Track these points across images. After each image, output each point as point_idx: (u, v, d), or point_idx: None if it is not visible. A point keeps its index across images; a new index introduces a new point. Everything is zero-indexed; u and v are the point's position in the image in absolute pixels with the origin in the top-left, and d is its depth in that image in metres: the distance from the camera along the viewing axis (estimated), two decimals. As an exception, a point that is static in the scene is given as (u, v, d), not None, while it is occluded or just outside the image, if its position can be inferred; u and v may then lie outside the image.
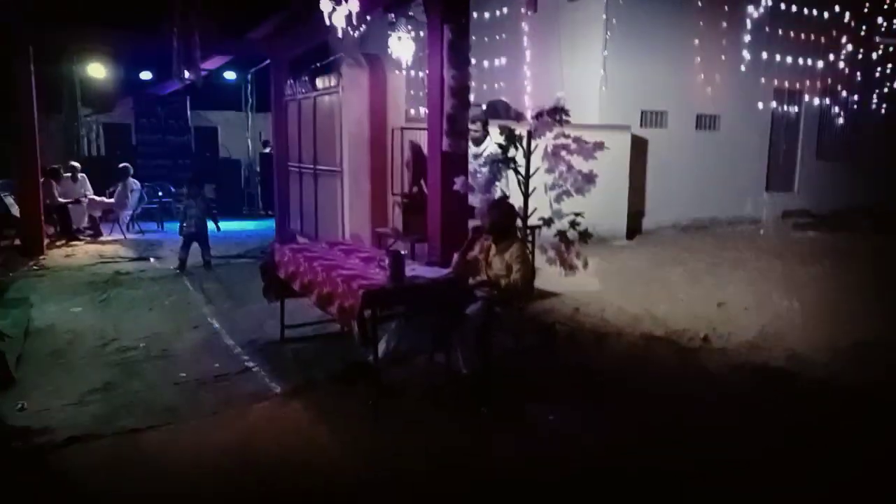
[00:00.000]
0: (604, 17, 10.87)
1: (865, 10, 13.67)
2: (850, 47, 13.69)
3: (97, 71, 14.30)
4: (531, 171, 6.20)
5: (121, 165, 12.06)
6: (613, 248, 10.01)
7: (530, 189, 6.22)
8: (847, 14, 13.44)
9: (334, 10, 5.63)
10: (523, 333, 5.52)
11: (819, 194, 13.94)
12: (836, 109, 14.02)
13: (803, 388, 4.78)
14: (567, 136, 5.90)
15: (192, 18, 7.85)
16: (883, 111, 14.45)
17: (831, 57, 13.48)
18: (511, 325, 5.19)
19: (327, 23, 5.74)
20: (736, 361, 5.29)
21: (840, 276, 8.31)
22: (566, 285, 6.98)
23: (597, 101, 11.05)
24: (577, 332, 6.03)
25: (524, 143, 6.19)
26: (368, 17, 12.34)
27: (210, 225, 8.88)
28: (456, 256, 5.05)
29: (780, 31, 12.66)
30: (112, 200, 11.98)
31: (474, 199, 6.11)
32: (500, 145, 6.19)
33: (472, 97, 12.41)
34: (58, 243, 10.82)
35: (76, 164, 12.23)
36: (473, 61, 12.65)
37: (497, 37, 12.83)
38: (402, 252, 4.85)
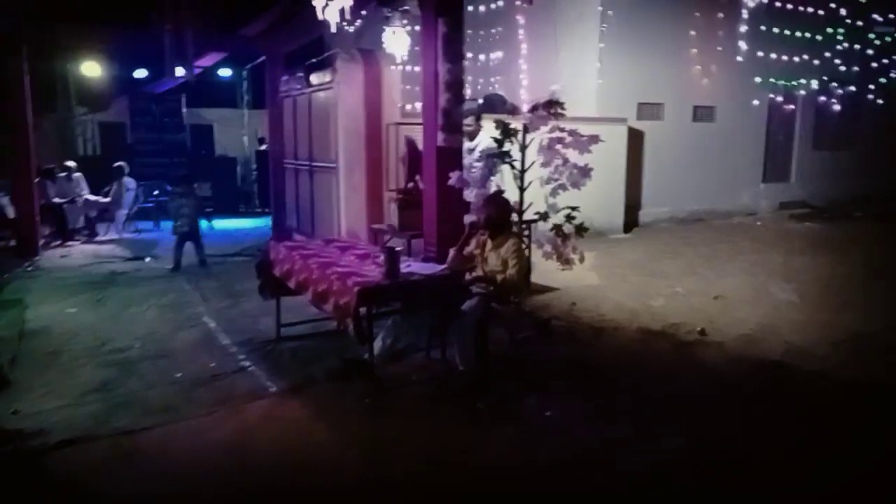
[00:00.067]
0: (599, 9, 10.83)
1: (862, -1, 13.65)
2: (845, 36, 13.66)
3: (92, 69, 14.26)
4: (527, 165, 6.16)
5: (116, 164, 12.01)
6: (610, 242, 9.99)
7: (526, 183, 6.18)
8: (843, 3, 13.41)
9: (327, 4, 5.58)
10: (520, 329, 5.51)
11: (816, 185, 13.93)
12: (832, 99, 14.00)
13: (801, 382, 4.76)
14: (562, 130, 5.85)
15: (184, 15, 7.79)
16: (879, 100, 14.42)
17: (827, 46, 13.45)
18: (507, 320, 5.18)
19: (320, 17, 5.69)
20: (733, 355, 5.28)
21: (837, 267, 8.30)
22: (563, 280, 6.96)
23: (593, 93, 11.02)
24: (573, 326, 6.02)
25: (519, 136, 6.14)
26: (364, 13, 12.36)
27: (203, 223, 8.83)
28: (452, 252, 5.04)
29: (775, 22, 12.63)
30: (108, 200, 11.93)
31: (469, 195, 6.07)
32: (495, 139, 6.15)
33: (468, 91, 12.46)
34: (53, 243, 10.78)
35: (71, 163, 12.19)
36: (469, 55, 12.68)
37: (493, 30, 12.79)
38: (398, 248, 4.82)
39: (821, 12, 13.22)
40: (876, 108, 14.42)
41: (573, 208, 5.92)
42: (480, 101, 10.93)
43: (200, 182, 16.13)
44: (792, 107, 13.66)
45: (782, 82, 13.25)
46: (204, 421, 4.20)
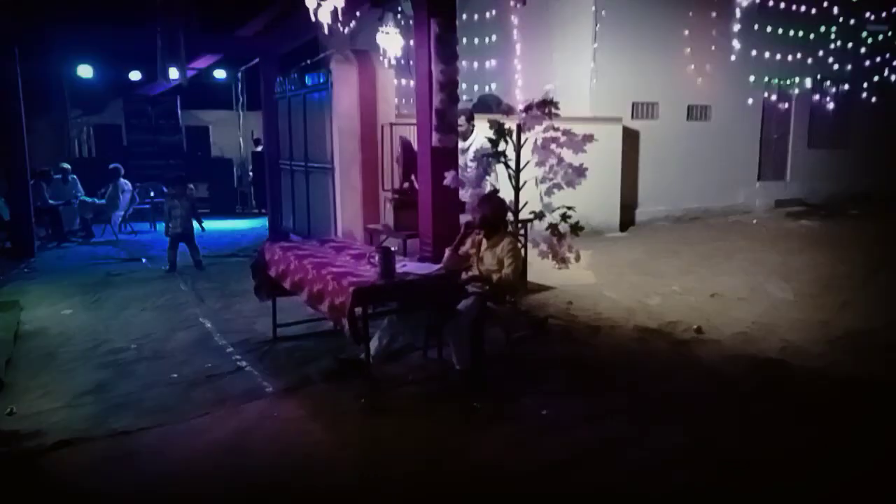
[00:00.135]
0: (593, 8, 10.86)
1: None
2: (839, 34, 13.71)
3: (86, 72, 14.22)
4: (521, 164, 6.18)
5: (111, 166, 12.00)
6: (607, 241, 10.01)
7: (521, 183, 6.20)
8: (836, 1, 13.45)
9: (319, 5, 5.58)
10: (516, 328, 5.51)
11: (811, 182, 13.97)
12: (827, 97, 14.05)
13: (799, 380, 4.77)
14: (557, 129, 5.87)
15: (176, 16, 7.78)
16: (874, 98, 14.47)
17: (821, 44, 13.50)
18: (503, 319, 5.19)
19: (313, 19, 5.69)
20: (730, 353, 5.28)
21: (834, 265, 8.32)
22: (559, 279, 6.98)
23: (588, 93, 11.05)
24: (570, 325, 6.02)
25: (514, 136, 6.16)
26: (358, 14, 12.36)
27: (195, 226, 8.81)
28: (447, 252, 5.04)
29: (769, 20, 12.67)
30: (103, 201, 11.91)
31: (465, 194, 6.08)
32: (489, 139, 6.17)
33: (464, 93, 12.48)
34: (49, 245, 10.76)
35: (67, 165, 12.18)
36: (464, 56, 12.70)
37: (487, 31, 12.80)
38: (393, 248, 4.83)
39: (814, 11, 13.27)
40: (870, 105, 14.48)
41: (569, 207, 5.94)
42: (474, 100, 10.97)
43: (197, 183, 16.20)
44: (786, 105, 13.71)
45: (776, 81, 13.30)
46: (200, 421, 4.19)
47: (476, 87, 12.55)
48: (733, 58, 12.29)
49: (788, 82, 13.52)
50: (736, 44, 12.30)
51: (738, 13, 12.25)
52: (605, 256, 8.82)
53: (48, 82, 15.55)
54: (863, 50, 14.21)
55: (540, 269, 6.66)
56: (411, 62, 6.59)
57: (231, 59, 15.25)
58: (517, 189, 6.19)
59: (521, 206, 6.23)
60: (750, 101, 12.89)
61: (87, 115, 17.37)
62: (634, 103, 11.63)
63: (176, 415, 4.27)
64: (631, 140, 11.34)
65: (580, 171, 5.76)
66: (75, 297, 7.26)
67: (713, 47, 12.05)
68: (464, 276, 4.97)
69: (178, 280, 8.10)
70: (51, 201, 11.08)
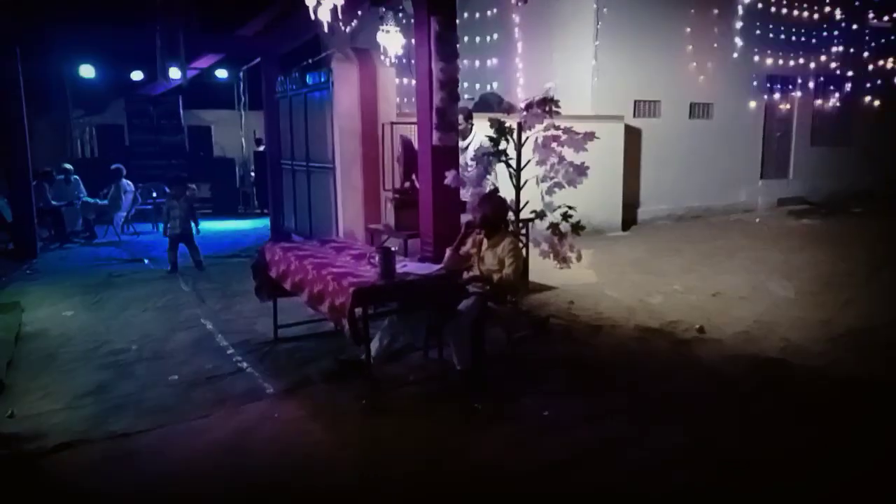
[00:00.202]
0: (594, 6, 10.82)
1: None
2: (842, 32, 13.65)
3: (88, 72, 14.22)
4: (522, 163, 6.16)
5: (113, 167, 12.00)
6: (609, 240, 9.99)
7: (522, 182, 6.18)
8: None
9: (319, 4, 5.56)
10: (517, 328, 5.50)
11: (814, 181, 13.93)
12: (829, 94, 14.00)
13: (800, 379, 4.75)
14: (558, 128, 5.85)
15: (175, 15, 7.77)
16: (876, 95, 14.41)
17: (823, 42, 13.45)
18: (504, 319, 5.17)
19: (312, 17, 5.67)
20: (732, 353, 5.26)
21: (836, 263, 8.29)
22: (561, 278, 6.96)
23: (589, 91, 11.02)
24: (571, 325, 6.01)
25: (514, 135, 6.14)
26: (360, 13, 12.34)
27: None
28: (448, 252, 5.02)
29: (771, 18, 12.63)
30: (106, 202, 11.92)
31: (465, 194, 6.07)
32: (490, 138, 6.15)
33: (465, 91, 12.46)
34: (52, 246, 10.78)
35: (69, 166, 12.18)
36: (465, 55, 12.67)
37: (488, 29, 12.79)
38: (394, 248, 4.81)
39: (816, 7, 13.21)
40: (873, 102, 14.42)
41: (570, 207, 5.93)
42: (475, 99, 10.95)
43: (199, 183, 16.21)
44: (789, 103, 13.67)
45: (779, 78, 13.25)
46: (201, 422, 4.19)
47: (477, 86, 12.54)
48: (735, 55, 12.25)
49: (791, 80, 13.47)
50: (738, 41, 12.26)
51: (740, 10, 12.22)
52: (606, 255, 8.80)
53: (50, 82, 15.56)
54: (865, 46, 14.16)
55: (541, 268, 6.64)
56: (412, 61, 6.56)
57: (233, 58, 15.25)
58: (518, 188, 6.17)
59: (522, 205, 6.21)
60: (752, 98, 12.85)
61: (90, 116, 17.38)
62: (636, 101, 11.59)
63: (175, 416, 4.27)
64: (633, 138, 11.31)
65: (581, 170, 5.73)
66: (77, 298, 7.26)
67: (715, 45, 12.01)
68: (465, 275, 4.96)
69: (180, 281, 8.10)
70: (53, 202, 11.10)
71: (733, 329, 5.80)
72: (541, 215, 6.03)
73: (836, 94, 14.10)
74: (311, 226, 9.54)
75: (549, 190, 5.94)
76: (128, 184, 12.16)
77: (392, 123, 8.09)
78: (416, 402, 4.46)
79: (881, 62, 14.41)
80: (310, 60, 9.56)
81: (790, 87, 13.54)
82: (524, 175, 6.18)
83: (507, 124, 6.16)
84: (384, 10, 8.88)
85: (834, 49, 13.68)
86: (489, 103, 10.54)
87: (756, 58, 12.59)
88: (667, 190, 11.92)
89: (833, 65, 13.79)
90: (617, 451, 3.77)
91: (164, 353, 5.45)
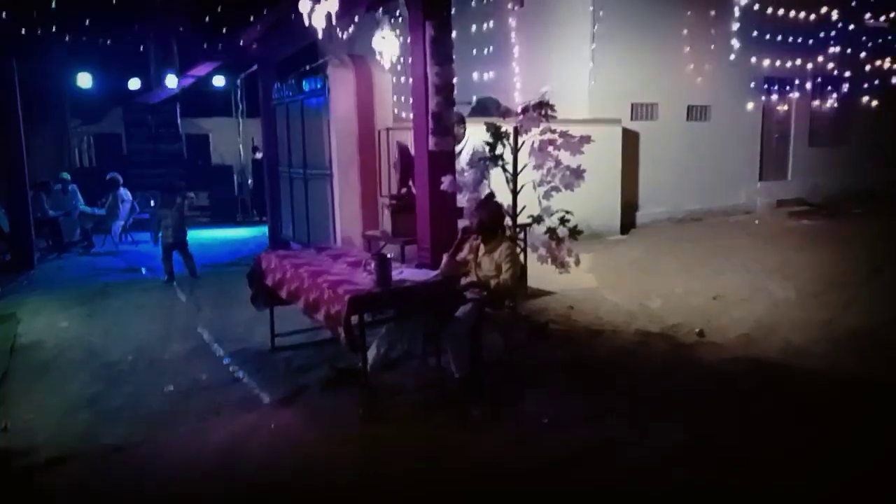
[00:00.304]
0: (591, 9, 10.80)
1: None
2: (839, 32, 13.63)
3: (85, 81, 14.21)
4: (519, 168, 6.13)
5: (108, 176, 11.94)
6: (608, 243, 9.94)
7: (519, 186, 6.15)
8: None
9: (313, 9, 5.54)
10: (516, 333, 5.46)
11: (813, 182, 13.89)
12: (827, 95, 13.97)
13: (801, 381, 4.71)
14: (554, 131, 5.82)
15: (169, 23, 7.76)
16: (874, 94, 14.38)
17: (821, 42, 13.43)
18: (502, 325, 5.13)
19: (306, 23, 5.65)
20: (732, 356, 5.22)
21: (836, 264, 8.25)
22: (560, 283, 6.91)
23: (586, 94, 10.99)
24: (571, 330, 5.96)
25: (511, 139, 6.11)
26: (356, 19, 12.31)
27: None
28: (445, 258, 4.98)
29: (768, 19, 12.60)
30: (103, 212, 11.89)
31: (462, 199, 6.03)
32: (487, 143, 6.12)
33: (464, 96, 12.42)
34: (49, 256, 10.74)
35: (66, 175, 12.15)
36: (462, 58, 12.63)
37: (485, 33, 12.75)
38: (390, 255, 4.77)
39: (813, 7, 13.19)
40: (871, 102, 14.39)
41: (567, 211, 5.89)
42: (473, 104, 10.92)
43: (197, 191, 16.20)
44: (787, 104, 13.64)
45: (776, 79, 13.23)
46: (195, 434, 4.14)
47: (475, 90, 12.50)
48: (732, 57, 12.22)
49: (788, 81, 13.45)
50: (735, 43, 12.23)
51: (736, 11, 12.19)
52: (606, 259, 8.76)
53: (48, 92, 15.55)
54: (863, 46, 14.14)
55: (540, 273, 6.60)
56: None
57: (230, 66, 15.22)
58: (515, 192, 6.14)
59: (519, 209, 6.17)
60: (750, 100, 12.82)
61: (87, 125, 17.39)
62: (634, 104, 11.56)
63: (171, 427, 4.23)
64: (631, 141, 11.27)
65: (578, 174, 5.70)
66: (73, 309, 7.22)
67: (712, 46, 11.99)
68: (462, 281, 4.92)
69: (177, 290, 8.06)
70: (51, 212, 11.06)
71: (734, 331, 5.76)
72: (538, 220, 5.99)
73: (834, 95, 14.07)
74: (308, 233, 9.50)
75: (547, 194, 5.91)
76: (125, 193, 12.12)
77: (388, 129, 8.06)
78: (413, 410, 4.41)
79: (879, 62, 14.39)
80: (307, 67, 9.52)
81: (788, 88, 13.52)
82: (521, 179, 6.14)
83: (504, 129, 6.12)
84: (381, 14, 8.86)
85: (831, 50, 13.65)
86: (487, 108, 10.51)
87: (753, 59, 12.57)
88: (665, 192, 11.88)
89: (830, 65, 13.77)
90: (617, 449, 3.75)
91: (160, 364, 5.40)
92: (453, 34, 6.07)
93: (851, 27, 13.86)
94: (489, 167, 6.06)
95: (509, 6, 12.17)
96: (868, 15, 13.94)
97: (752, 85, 12.80)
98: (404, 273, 4.77)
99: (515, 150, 6.14)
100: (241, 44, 11.23)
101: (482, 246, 4.91)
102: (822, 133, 14.23)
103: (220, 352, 5.64)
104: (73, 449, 3.95)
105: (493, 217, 4.97)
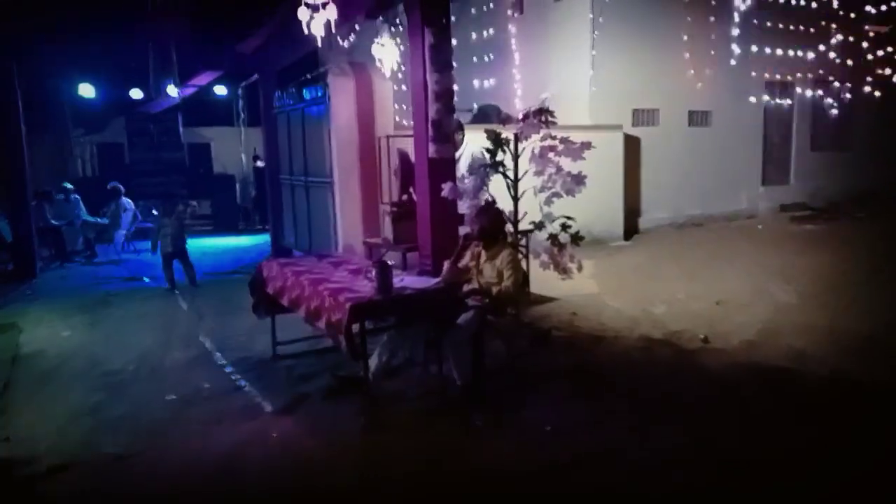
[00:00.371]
0: (590, 15, 10.81)
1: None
2: (839, 36, 13.63)
3: (87, 91, 14.27)
4: (520, 174, 6.12)
5: (109, 185, 11.97)
6: (610, 249, 9.92)
7: (520, 193, 6.13)
8: (836, 2, 13.38)
9: (312, 18, 5.55)
10: (518, 340, 5.43)
11: (816, 186, 13.85)
12: (829, 99, 13.96)
13: (805, 387, 4.68)
14: (554, 138, 5.82)
15: (169, 33, 7.79)
16: (875, 99, 14.34)
17: (821, 46, 13.43)
18: (504, 332, 5.11)
19: (305, 32, 5.65)
20: (736, 361, 5.19)
21: (840, 269, 8.21)
22: (563, 289, 6.89)
23: (587, 101, 10.99)
24: (573, 337, 5.94)
25: (511, 146, 6.10)
26: (357, 27, 12.33)
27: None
28: (446, 265, 4.97)
29: (768, 23, 12.61)
30: (106, 221, 11.91)
31: (463, 206, 6.02)
32: (487, 149, 6.11)
33: (464, 103, 12.43)
34: (52, 266, 10.75)
35: (69, 185, 12.17)
36: (463, 66, 12.67)
37: (485, 41, 12.80)
38: (391, 262, 4.76)
39: (814, 13, 13.20)
40: (873, 106, 14.36)
41: (568, 217, 5.88)
42: (474, 111, 10.93)
43: (200, 200, 16.22)
44: (788, 108, 13.62)
45: (777, 84, 13.22)
46: (196, 442, 4.12)
47: (475, 98, 12.53)
48: (733, 62, 12.22)
49: (789, 85, 13.44)
50: (735, 48, 12.23)
51: (736, 17, 12.20)
52: (608, 265, 8.74)
53: (50, 102, 15.62)
54: (864, 51, 14.12)
55: (542, 280, 6.58)
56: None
57: (231, 75, 15.29)
58: (516, 199, 6.12)
59: (520, 216, 6.16)
60: (751, 105, 12.81)
61: (90, 135, 17.45)
62: (635, 110, 11.56)
63: (172, 436, 4.21)
64: (632, 147, 11.27)
65: (579, 180, 5.69)
66: (75, 318, 7.22)
67: (712, 52, 11.99)
68: (465, 288, 4.90)
69: (178, 298, 8.06)
70: (53, 221, 11.08)
71: (738, 337, 5.72)
72: (539, 226, 5.98)
73: (835, 99, 14.05)
74: (310, 241, 9.50)
75: (548, 200, 5.90)
76: (127, 202, 12.14)
77: (389, 136, 8.06)
78: (415, 417, 4.39)
79: (879, 66, 14.37)
80: (308, 75, 9.55)
81: (789, 92, 13.50)
82: (522, 186, 6.13)
83: (504, 135, 6.12)
84: (380, 22, 8.89)
85: (832, 54, 13.64)
86: (488, 115, 10.51)
87: (754, 64, 12.56)
88: (668, 198, 11.85)
89: (831, 69, 13.75)
90: (618, 454, 3.75)
91: (162, 373, 5.39)
92: (454, 42, 6.08)
93: (853, 31, 13.85)
94: (489, 174, 6.05)
95: (509, 13, 12.22)
96: (869, 7, 13.88)
97: (754, 89, 12.78)
98: (405, 280, 4.75)
99: (516, 157, 6.13)
100: (241, 53, 11.28)
101: (483, 253, 4.90)
102: (824, 137, 14.20)
103: (222, 360, 5.62)
104: (75, 457, 3.94)
105: (494, 223, 4.96)
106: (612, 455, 3.73)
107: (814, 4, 13.16)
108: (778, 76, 13.09)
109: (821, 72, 13.62)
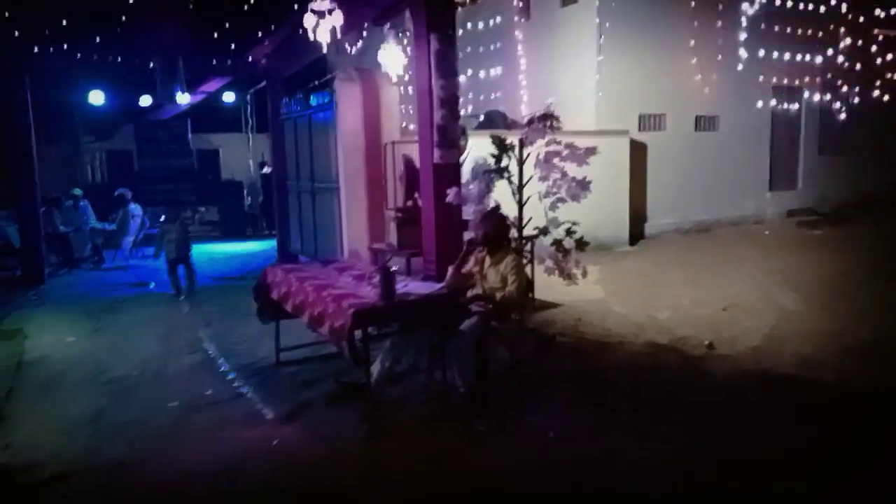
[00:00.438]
0: (597, 21, 10.79)
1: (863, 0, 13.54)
2: (848, 40, 13.55)
3: (97, 98, 14.36)
4: (525, 179, 6.10)
5: (117, 192, 12.03)
6: (616, 255, 9.88)
7: (524, 198, 6.12)
8: (844, 6, 13.31)
9: (318, 24, 5.56)
10: (522, 346, 5.41)
11: (823, 191, 13.75)
12: (837, 104, 13.86)
13: (813, 394, 4.62)
14: (559, 143, 5.80)
15: (175, 40, 7.83)
16: (884, 103, 14.24)
17: (829, 51, 13.35)
18: (509, 337, 5.08)
19: (311, 38, 5.67)
20: (742, 368, 5.15)
21: (848, 274, 8.13)
22: (568, 295, 6.86)
23: (593, 106, 10.95)
24: (578, 342, 5.90)
25: (516, 151, 6.09)
26: (365, 33, 12.36)
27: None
28: (450, 270, 4.96)
29: (776, 28, 12.56)
30: (114, 227, 11.96)
31: (468, 211, 6.01)
32: (492, 155, 6.10)
33: (469, 108, 12.46)
34: (60, 272, 10.81)
35: (78, 191, 12.25)
36: (469, 72, 12.69)
37: (492, 46, 12.81)
38: (395, 268, 4.75)
39: (822, 17, 13.13)
40: (881, 111, 14.26)
41: (573, 223, 5.85)
42: (481, 117, 10.93)
43: (208, 206, 16.30)
44: (796, 113, 13.54)
45: (785, 89, 13.15)
46: (199, 449, 4.12)
47: (482, 104, 12.53)
48: (740, 67, 12.17)
49: (797, 90, 13.36)
50: (742, 53, 12.18)
51: (743, 22, 12.15)
52: (614, 271, 8.69)
53: (61, 110, 15.75)
54: (872, 56, 14.03)
55: (547, 285, 6.55)
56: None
57: (240, 81, 15.37)
58: (521, 204, 6.11)
59: (525, 221, 6.14)
60: (758, 110, 12.74)
61: (100, 141, 17.59)
62: (641, 115, 11.52)
63: (174, 443, 4.21)
64: (639, 152, 11.22)
65: (584, 185, 5.67)
66: (81, 324, 7.24)
67: (720, 57, 11.94)
68: (469, 293, 4.89)
69: (184, 304, 8.08)
70: (61, 228, 11.14)
71: (744, 343, 5.68)
72: (544, 231, 5.95)
73: (844, 104, 13.96)
74: (316, 246, 9.51)
75: (553, 206, 5.88)
76: (136, 208, 12.19)
77: (394, 142, 8.06)
78: (418, 423, 4.37)
79: (888, 70, 14.27)
80: (316, 82, 9.57)
81: (796, 97, 13.43)
82: (527, 191, 6.12)
83: (508, 140, 6.11)
84: (387, 29, 8.91)
85: (840, 58, 13.56)
86: (494, 121, 10.51)
87: (761, 68, 12.50)
88: (674, 203, 11.80)
89: (840, 74, 13.67)
90: (618, 454, 3.76)
91: (165, 379, 5.40)
92: (461, 49, 6.08)
93: (862, 35, 13.77)
94: (494, 179, 6.04)
95: (516, 19, 12.22)
96: (879, 11, 13.79)
97: (761, 94, 12.72)
98: (409, 286, 4.74)
99: (521, 162, 6.11)
100: (249, 59, 11.34)
101: (488, 258, 4.88)
102: (832, 142, 14.09)
103: (226, 366, 5.62)
104: (77, 464, 3.94)
105: (499, 229, 4.95)
106: (613, 456, 3.73)
107: (822, 8, 13.09)
108: (786, 80, 13.02)
109: (829, 76, 13.54)
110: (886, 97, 14.20)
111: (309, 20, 5.68)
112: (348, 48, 13.91)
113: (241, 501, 3.53)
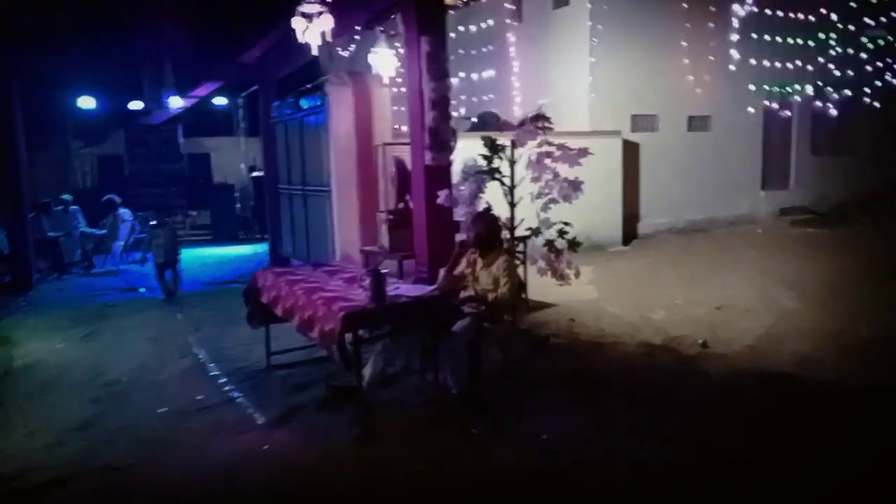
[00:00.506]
0: (589, 23, 10.79)
1: (852, 2, 13.58)
2: (838, 40, 13.59)
3: (87, 103, 14.29)
4: (516, 180, 6.07)
5: (105, 198, 11.97)
6: (609, 255, 9.86)
7: (516, 199, 6.09)
8: (835, 8, 13.35)
9: (307, 28, 5.53)
10: (515, 347, 5.38)
11: (816, 190, 13.77)
12: (829, 103, 13.89)
13: (808, 392, 4.61)
14: (551, 144, 5.78)
15: (165, 45, 7.79)
16: (876, 102, 14.28)
17: (821, 51, 13.38)
18: (500, 339, 5.05)
19: (300, 41, 5.63)
20: (737, 367, 5.13)
21: (841, 273, 8.12)
22: (561, 295, 6.84)
23: (586, 107, 10.95)
24: (572, 343, 5.87)
25: (507, 152, 6.06)
26: (357, 36, 12.31)
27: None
28: (442, 272, 4.93)
29: (768, 28, 12.58)
30: (104, 232, 11.90)
31: (459, 213, 5.97)
32: (483, 156, 6.07)
33: (463, 110, 12.44)
34: (49, 277, 10.72)
35: (68, 196, 12.18)
36: (462, 74, 12.68)
37: (484, 49, 12.80)
38: (385, 270, 4.71)
39: (812, 18, 13.17)
40: (874, 110, 14.29)
41: (565, 223, 5.83)
42: (474, 119, 10.91)
43: (199, 210, 16.24)
44: (788, 113, 13.57)
45: (777, 89, 13.18)
46: (189, 455, 4.07)
47: (475, 106, 12.51)
48: (732, 67, 12.19)
49: (789, 89, 13.39)
50: (734, 53, 12.20)
51: (735, 23, 12.17)
52: (607, 271, 8.67)
53: (51, 115, 15.66)
54: (863, 55, 14.07)
55: (541, 286, 6.52)
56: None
57: (231, 85, 15.32)
58: (513, 205, 6.08)
59: (518, 222, 6.11)
60: (751, 109, 12.76)
61: (90, 146, 17.49)
62: (634, 116, 11.52)
63: (165, 448, 4.16)
64: (631, 152, 11.22)
65: (576, 186, 5.65)
66: (70, 330, 7.17)
67: (712, 57, 11.95)
68: (461, 295, 4.85)
69: (175, 308, 8.02)
70: (50, 233, 11.06)
71: (739, 343, 5.66)
72: (536, 232, 5.93)
73: (836, 103, 13.99)
74: (308, 249, 9.46)
75: (545, 206, 5.85)
76: (125, 213, 12.14)
77: (385, 144, 8.03)
78: (411, 426, 4.33)
79: (880, 69, 14.32)
80: (308, 86, 9.54)
81: (789, 96, 13.45)
82: (519, 192, 6.09)
83: (500, 142, 6.08)
84: (379, 31, 8.89)
85: (832, 58, 13.60)
86: (487, 122, 10.49)
87: (753, 69, 12.52)
88: (667, 203, 11.79)
89: (831, 73, 13.70)
90: (617, 455, 3.73)
91: (156, 384, 5.34)
92: (453, 52, 6.05)
93: (852, 35, 13.81)
94: (485, 180, 6.00)
95: (508, 21, 12.22)
96: (868, 19, 13.85)
97: (753, 94, 12.74)
98: (401, 288, 4.70)
99: (512, 163, 6.09)
100: (242, 63, 11.28)
101: (479, 260, 4.85)
102: (825, 141, 14.12)
103: (216, 371, 5.57)
104: (72, 469, 3.90)
105: (490, 230, 4.92)
106: (612, 457, 3.70)
107: (813, 9, 13.12)
108: (777, 80, 13.03)
109: (821, 76, 13.57)
110: (878, 96, 14.25)
111: (298, 23, 5.64)
112: (340, 51, 13.86)
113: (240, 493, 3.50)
